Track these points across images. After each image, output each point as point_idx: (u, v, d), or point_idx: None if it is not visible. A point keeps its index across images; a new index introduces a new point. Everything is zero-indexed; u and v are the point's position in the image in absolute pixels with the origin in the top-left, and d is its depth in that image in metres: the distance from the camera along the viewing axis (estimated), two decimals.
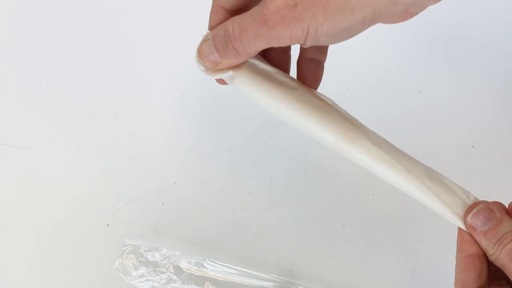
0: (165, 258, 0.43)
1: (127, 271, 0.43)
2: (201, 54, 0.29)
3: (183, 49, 0.54)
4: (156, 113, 0.51)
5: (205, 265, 0.43)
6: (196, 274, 0.43)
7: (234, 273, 0.43)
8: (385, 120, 0.49)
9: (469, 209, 0.29)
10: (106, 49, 0.55)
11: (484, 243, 0.28)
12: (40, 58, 0.54)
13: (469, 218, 0.29)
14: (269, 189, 0.47)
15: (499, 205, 0.29)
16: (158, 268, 0.43)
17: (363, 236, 0.45)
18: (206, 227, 0.46)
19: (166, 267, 0.43)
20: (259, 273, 0.43)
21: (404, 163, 0.30)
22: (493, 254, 0.27)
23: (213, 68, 0.29)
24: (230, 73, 0.29)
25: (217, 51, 0.28)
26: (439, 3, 0.27)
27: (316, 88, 0.33)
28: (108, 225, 0.46)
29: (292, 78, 0.32)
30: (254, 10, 0.25)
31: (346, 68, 0.51)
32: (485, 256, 0.29)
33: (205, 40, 0.29)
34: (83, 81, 0.53)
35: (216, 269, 0.43)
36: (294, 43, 0.26)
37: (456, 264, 0.30)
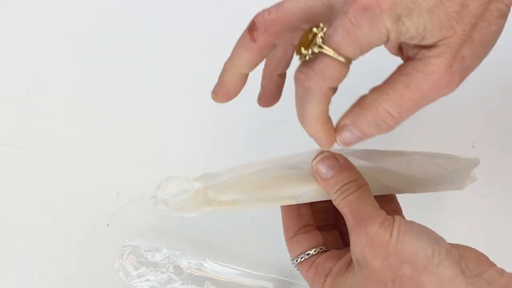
0: (165, 258, 0.43)
1: (127, 271, 0.43)
2: (347, 142, 0.28)
3: (184, 49, 0.54)
4: (156, 113, 0.51)
5: (205, 265, 0.43)
6: (196, 274, 0.43)
7: (234, 273, 0.43)
8: None
9: (316, 156, 0.30)
10: (106, 49, 0.54)
11: (327, 189, 0.29)
12: (40, 58, 0.54)
13: (314, 163, 0.29)
14: None
15: (344, 158, 0.30)
16: (158, 268, 0.43)
17: None
18: (206, 227, 0.46)
19: (166, 267, 0.43)
20: (259, 273, 0.43)
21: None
22: (335, 200, 0.28)
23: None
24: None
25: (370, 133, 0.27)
26: None
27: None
28: (108, 225, 0.46)
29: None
30: (401, 84, 0.27)
31: None
32: (306, 204, 0.31)
33: (343, 129, 0.28)
34: (83, 81, 0.53)
35: (216, 269, 0.43)
36: None
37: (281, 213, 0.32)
